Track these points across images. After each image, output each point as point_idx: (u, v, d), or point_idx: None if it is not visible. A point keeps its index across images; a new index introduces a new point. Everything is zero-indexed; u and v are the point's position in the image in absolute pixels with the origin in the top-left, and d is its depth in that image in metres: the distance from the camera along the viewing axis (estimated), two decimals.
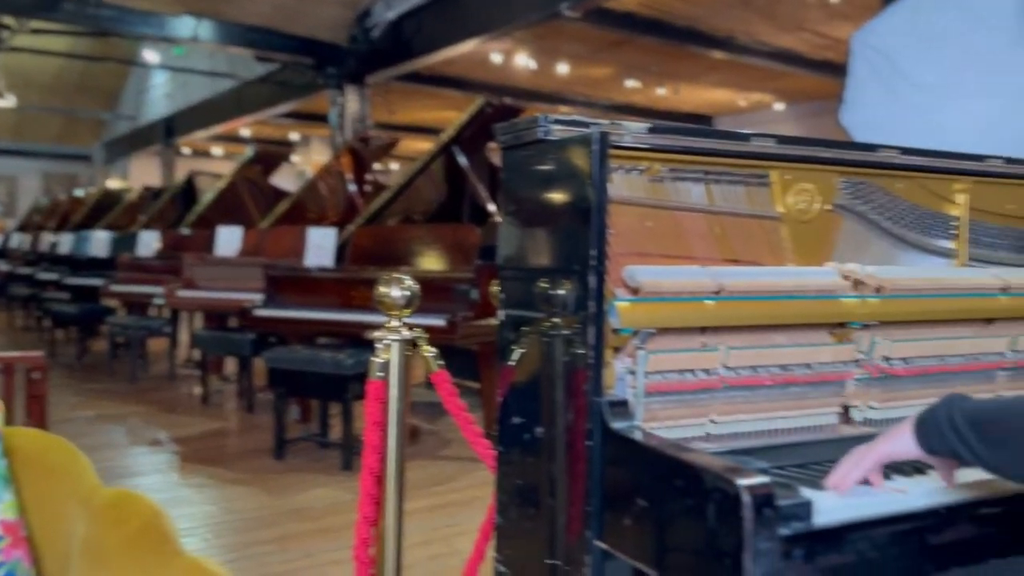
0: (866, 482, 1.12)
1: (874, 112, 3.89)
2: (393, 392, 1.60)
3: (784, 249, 1.59)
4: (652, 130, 1.44)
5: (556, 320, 1.32)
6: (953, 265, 1.77)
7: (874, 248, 1.69)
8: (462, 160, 4.96)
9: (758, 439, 1.43)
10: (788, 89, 13.19)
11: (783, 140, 1.57)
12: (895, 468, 1.20)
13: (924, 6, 3.83)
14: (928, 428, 1.07)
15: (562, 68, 12.03)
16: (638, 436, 1.18)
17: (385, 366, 1.63)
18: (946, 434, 1.04)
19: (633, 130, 1.41)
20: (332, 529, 3.28)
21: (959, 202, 1.78)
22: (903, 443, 1.09)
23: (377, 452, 1.56)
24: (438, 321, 3.99)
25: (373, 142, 6.64)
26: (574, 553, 1.25)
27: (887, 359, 1.55)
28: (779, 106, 14.51)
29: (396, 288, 1.67)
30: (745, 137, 1.54)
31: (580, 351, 1.26)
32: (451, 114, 8.65)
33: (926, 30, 3.82)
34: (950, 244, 1.77)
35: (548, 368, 1.34)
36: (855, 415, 1.53)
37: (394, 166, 16.15)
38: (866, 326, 1.54)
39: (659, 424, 1.35)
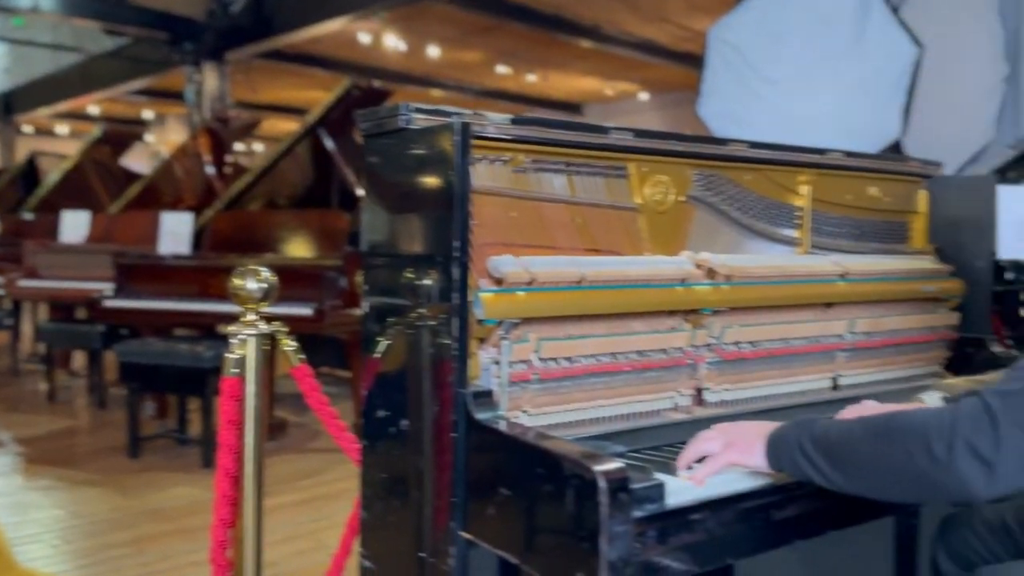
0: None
1: (729, 104, 4.08)
2: (250, 389, 1.55)
3: (642, 239, 1.64)
4: (515, 121, 1.45)
5: (421, 311, 1.31)
6: (797, 253, 1.88)
7: (725, 237, 1.77)
8: (329, 143, 4.84)
9: (618, 423, 1.48)
10: (652, 79, 13.61)
11: (640, 133, 1.62)
12: None
13: (773, 4, 4.04)
14: (779, 450, 1.15)
15: (433, 51, 11.94)
16: (501, 426, 1.19)
17: (241, 362, 1.57)
18: (796, 458, 1.12)
19: (496, 121, 1.42)
20: (192, 530, 3.15)
21: (802, 193, 1.89)
22: (755, 458, 1.17)
23: (233, 452, 1.50)
24: (305, 310, 3.89)
25: (233, 122, 6.37)
26: (440, 545, 1.25)
27: (737, 343, 1.63)
28: (644, 96, 14.96)
29: (252, 280, 1.61)
30: (604, 130, 1.57)
31: (445, 342, 1.26)
32: (319, 94, 8.42)
33: (774, 27, 4.04)
34: (794, 233, 1.88)
35: (414, 360, 1.33)
36: (708, 397, 1.61)
37: (258, 147, 15.58)
38: (717, 312, 1.62)
39: (523, 413, 1.37)
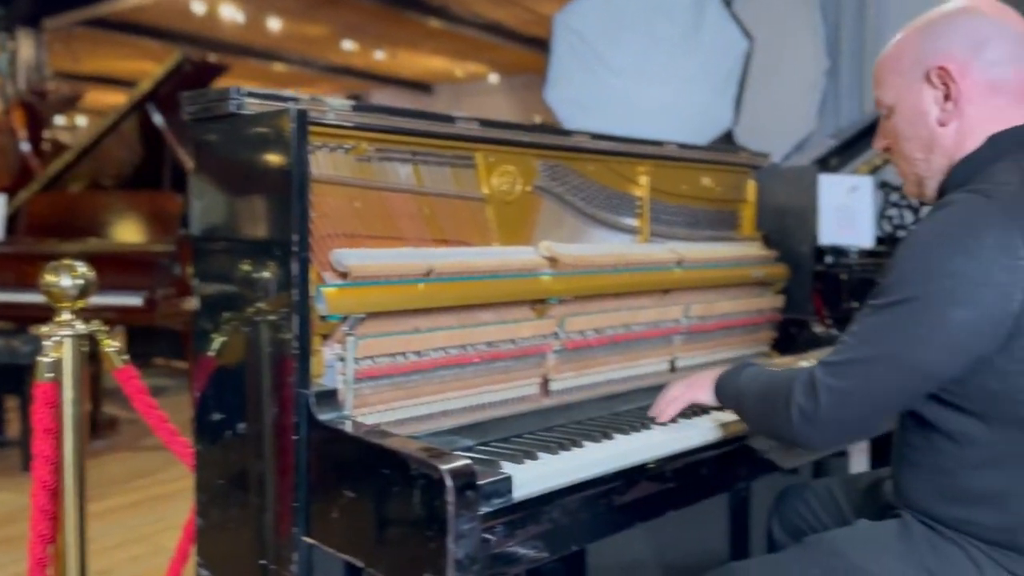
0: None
1: (575, 92, 4.15)
2: (67, 395, 1.42)
3: (489, 229, 1.64)
4: (356, 108, 1.40)
5: (259, 307, 1.25)
6: (637, 241, 1.94)
7: (570, 227, 1.80)
8: (158, 119, 4.53)
9: (468, 415, 1.47)
10: (502, 61, 13.68)
11: (486, 123, 1.61)
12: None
13: None
14: (721, 388, 1.39)
15: (273, 24, 11.44)
16: (345, 427, 1.15)
17: (56, 365, 1.43)
18: (729, 394, 1.36)
19: (336, 107, 1.37)
20: (11, 539, 2.89)
21: (642, 183, 1.95)
22: (707, 395, 1.42)
23: (50, 463, 1.37)
24: (134, 300, 3.64)
25: (52, 95, 5.85)
26: (282, 551, 1.20)
27: (581, 332, 1.66)
28: (494, 78, 15.01)
29: (66, 276, 1.47)
30: (450, 119, 1.55)
31: (285, 340, 1.20)
32: (149, 65, 7.88)
33: (617, 16, 4.14)
34: (634, 222, 1.94)
35: (251, 359, 1.26)
36: (554, 386, 1.63)
37: (81, 121, 14.44)
38: (563, 301, 1.64)
39: (371, 410, 1.33)
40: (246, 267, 1.26)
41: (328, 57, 13.68)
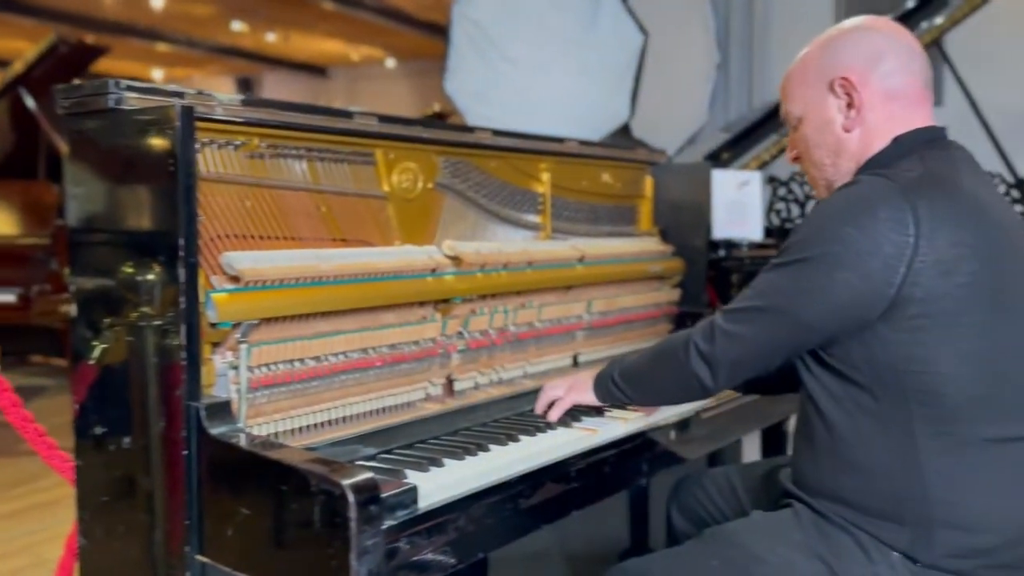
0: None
1: (474, 82, 4.12)
2: None
3: (391, 228, 1.60)
4: (246, 102, 1.34)
5: (144, 313, 1.17)
6: (539, 238, 1.94)
7: (472, 224, 1.78)
8: (31, 104, 4.25)
9: (370, 420, 1.44)
10: (398, 46, 13.47)
11: (385, 119, 1.57)
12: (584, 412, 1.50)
13: None
14: (601, 386, 1.43)
15: (157, 1, 10.91)
16: (240, 441, 1.10)
17: None
18: (611, 389, 1.41)
19: (225, 101, 1.30)
20: None
21: (544, 180, 1.95)
22: (588, 395, 1.46)
23: None
24: (7, 296, 3.40)
25: None
26: (173, 571, 1.14)
27: (486, 331, 1.65)
28: (391, 62, 14.79)
29: None
30: (348, 114, 1.50)
31: (172, 350, 1.14)
32: (24, 45, 7.37)
33: (514, 7, 4.13)
34: (537, 219, 1.94)
35: (136, 369, 1.19)
36: (458, 386, 1.61)
37: None
38: (466, 300, 1.62)
39: (267, 419, 1.28)
40: (129, 271, 1.19)
41: (216, 37, 13.16)
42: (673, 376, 1.30)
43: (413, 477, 1.13)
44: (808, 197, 2.97)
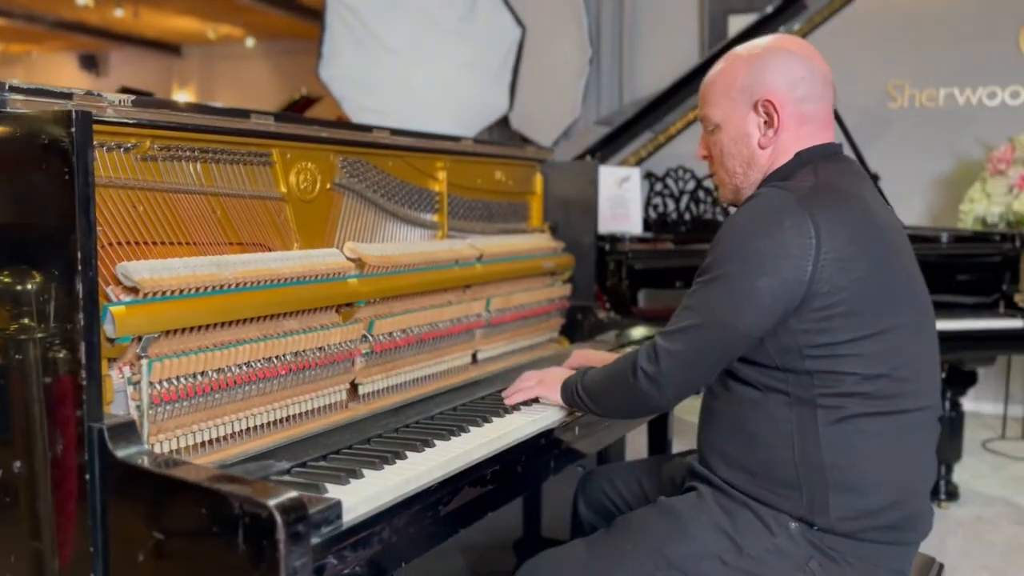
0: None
1: (350, 69, 4.04)
2: None
3: (290, 230, 1.56)
4: (137, 103, 1.27)
5: (38, 331, 1.09)
6: (436, 237, 1.94)
7: (372, 225, 1.75)
8: None
9: (274, 431, 1.40)
10: (258, 24, 12.92)
11: (282, 118, 1.52)
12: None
13: None
14: (567, 392, 1.52)
15: None
16: (151, 464, 1.05)
17: None
18: (575, 398, 1.50)
19: (116, 102, 1.22)
20: None
21: (440, 179, 1.95)
22: (554, 396, 1.55)
23: None
24: None
25: None
26: None
27: (390, 333, 1.64)
28: (250, 42, 14.19)
29: None
30: (244, 114, 1.45)
31: (70, 369, 1.07)
32: None
33: None
34: (434, 217, 1.93)
35: (26, 388, 1.11)
36: (362, 390, 1.59)
37: None
38: (369, 303, 1.60)
39: (168, 436, 1.23)
40: (22, 285, 1.10)
41: (58, 11, 12.20)
42: (625, 396, 1.38)
43: (334, 491, 1.12)
44: (683, 192, 3.10)
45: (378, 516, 1.10)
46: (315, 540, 1.00)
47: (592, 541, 1.39)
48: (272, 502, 0.95)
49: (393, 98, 4.07)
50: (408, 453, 1.28)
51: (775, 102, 1.32)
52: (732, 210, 3.10)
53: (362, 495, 1.11)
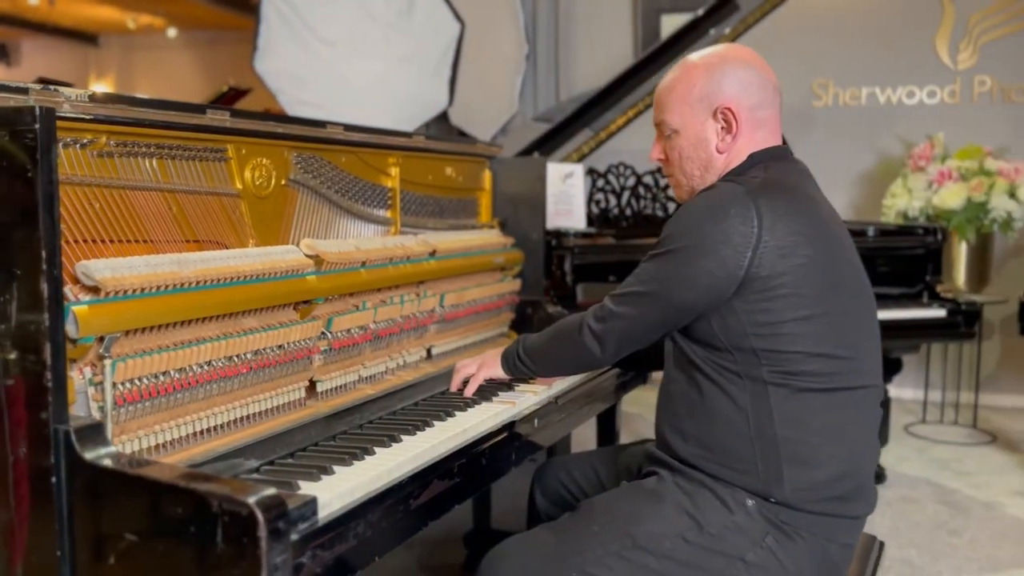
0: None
1: (286, 62, 3.98)
2: None
3: (245, 227, 1.54)
4: (94, 98, 1.24)
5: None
6: (390, 233, 1.94)
7: (326, 221, 1.75)
8: None
9: (235, 430, 1.39)
10: (180, 15, 12.55)
11: (237, 114, 1.51)
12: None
13: None
14: (508, 362, 1.63)
15: None
16: (122, 465, 1.03)
17: None
18: (517, 364, 1.61)
19: (73, 97, 1.20)
20: None
21: (392, 175, 1.95)
22: (497, 371, 1.65)
23: None
24: None
25: None
26: None
27: (348, 330, 1.64)
28: (172, 32, 13.78)
29: None
30: (201, 109, 1.43)
31: (34, 371, 1.04)
32: None
33: None
34: (387, 214, 1.93)
35: None
36: (320, 387, 1.59)
37: None
38: (327, 300, 1.60)
39: (131, 436, 1.21)
40: None
41: None
42: (569, 351, 1.51)
43: (307, 488, 1.12)
44: (624, 188, 3.16)
45: (352, 512, 1.11)
46: (293, 537, 1.00)
47: (557, 526, 1.43)
48: (252, 499, 0.95)
49: (330, 92, 4.03)
50: (376, 449, 1.29)
51: (733, 109, 1.40)
52: (671, 205, 3.17)
53: (335, 491, 1.11)
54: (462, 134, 5.00)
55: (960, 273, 4.01)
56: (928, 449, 3.84)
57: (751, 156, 1.42)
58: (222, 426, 1.37)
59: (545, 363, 1.58)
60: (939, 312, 3.04)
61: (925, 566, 2.61)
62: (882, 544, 1.60)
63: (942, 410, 4.37)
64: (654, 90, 3.33)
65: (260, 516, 0.94)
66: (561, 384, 1.74)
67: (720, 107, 1.41)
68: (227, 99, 6.92)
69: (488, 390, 1.65)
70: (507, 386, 1.69)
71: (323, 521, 1.06)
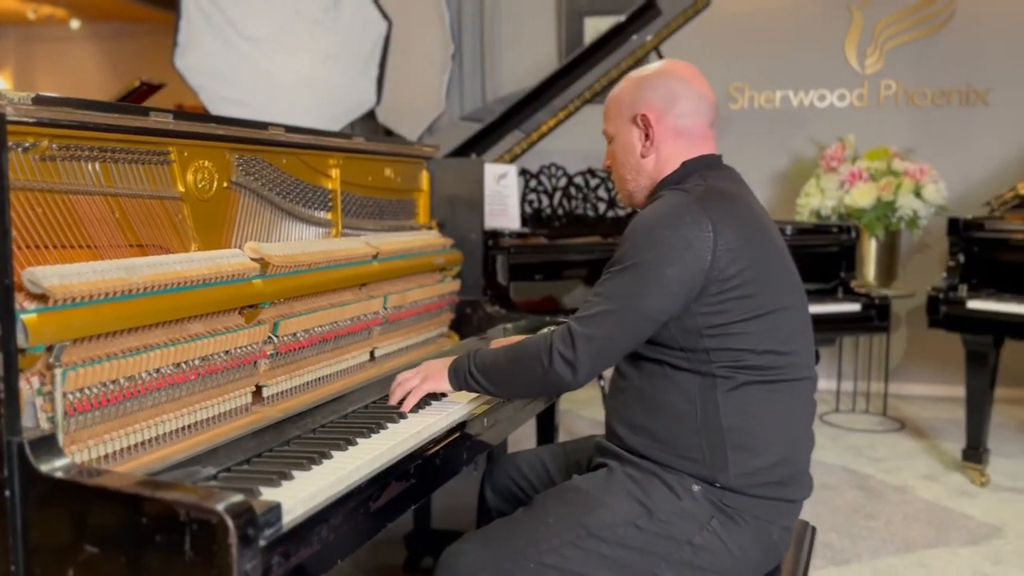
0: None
1: (208, 59, 3.89)
2: None
3: (187, 230, 1.52)
4: (38, 101, 1.20)
5: None
6: (331, 235, 1.93)
7: (268, 224, 1.73)
8: None
9: (184, 437, 1.37)
10: (82, 5, 12.04)
11: (180, 116, 1.48)
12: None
13: None
14: (457, 375, 1.56)
15: None
16: (79, 476, 1.01)
17: None
18: (467, 380, 1.55)
19: (15, 100, 1.16)
20: None
21: (333, 176, 1.94)
22: (443, 384, 1.58)
23: None
24: None
25: None
26: None
27: (294, 334, 1.63)
28: (75, 23, 13.21)
29: None
30: (144, 111, 1.40)
31: None
32: None
33: None
34: (328, 215, 1.93)
35: None
36: (267, 392, 1.58)
37: None
38: (273, 304, 1.59)
39: (80, 447, 1.18)
40: None
41: None
42: (535, 376, 1.45)
43: (269, 494, 1.12)
44: (555, 188, 3.22)
45: (316, 516, 1.11)
46: (261, 543, 1.00)
47: (512, 520, 1.47)
48: (220, 506, 0.94)
49: (254, 89, 3.96)
50: (334, 452, 1.29)
51: (651, 117, 1.50)
52: (601, 205, 3.24)
53: (298, 496, 1.12)
54: (389, 133, 4.97)
55: (870, 269, 4.23)
56: (842, 437, 4.03)
57: (684, 164, 1.50)
58: (171, 434, 1.35)
59: (505, 385, 1.52)
60: (855, 306, 3.21)
61: (845, 549, 2.76)
62: (814, 528, 1.69)
63: (854, 399, 4.59)
64: (582, 93, 3.38)
65: (230, 523, 0.94)
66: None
67: (638, 114, 1.50)
68: (139, 95, 6.69)
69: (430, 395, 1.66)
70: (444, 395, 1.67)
71: (287, 527, 1.06)
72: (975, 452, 3.36)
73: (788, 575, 1.53)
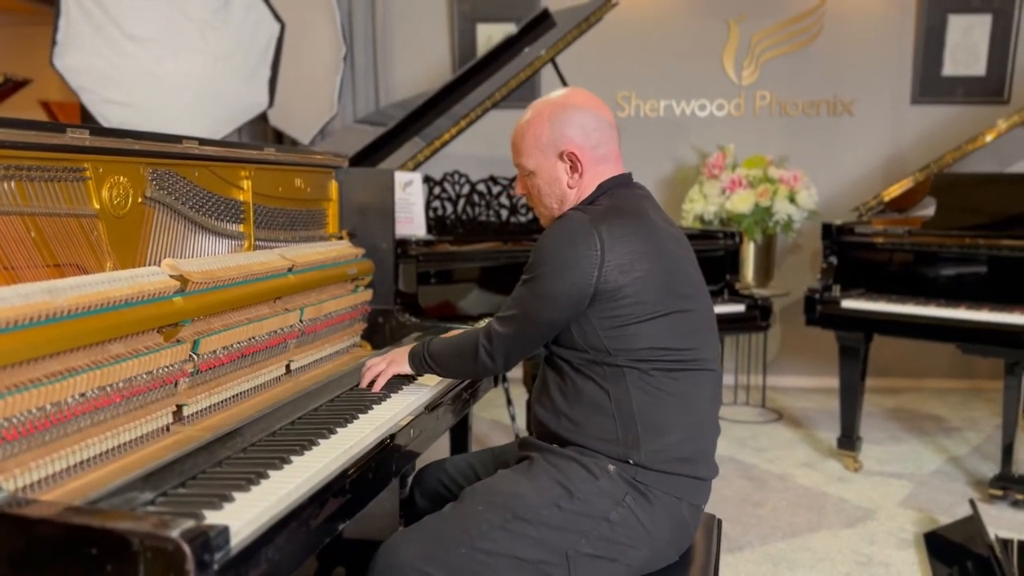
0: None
1: (92, 59, 3.72)
2: None
3: (103, 248, 1.48)
4: None
5: None
6: (244, 247, 1.91)
7: (182, 238, 1.70)
8: None
9: (108, 461, 1.33)
10: None
11: (97, 131, 1.44)
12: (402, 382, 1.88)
13: None
14: (416, 361, 1.83)
15: None
16: (19, 509, 0.99)
17: None
18: (422, 364, 1.82)
19: None
20: None
21: (245, 188, 1.92)
22: (405, 367, 1.85)
23: None
24: None
25: None
26: None
27: (214, 351, 1.61)
28: None
29: None
30: (61, 128, 1.36)
31: None
32: None
33: None
34: (240, 228, 1.90)
35: None
36: (187, 411, 1.55)
37: None
38: (192, 321, 1.57)
39: (8, 476, 1.14)
40: None
41: None
42: (470, 362, 1.71)
43: (212, 517, 1.12)
44: (459, 196, 3.26)
45: (262, 537, 1.12)
46: (215, 567, 1.01)
47: (442, 514, 1.57)
48: (175, 533, 0.95)
49: (141, 91, 3.80)
50: (270, 472, 1.30)
51: (576, 152, 1.64)
52: (503, 212, 3.32)
53: (244, 518, 1.12)
54: (280, 136, 4.88)
55: (749, 270, 4.49)
56: (728, 429, 4.26)
57: (600, 185, 1.66)
58: (95, 458, 1.31)
59: (449, 370, 1.81)
60: (740, 307, 3.41)
61: (737, 536, 2.94)
62: (720, 521, 1.81)
63: (735, 392, 4.86)
64: (482, 102, 3.42)
65: (187, 549, 0.94)
66: (428, 395, 1.83)
67: (565, 151, 1.64)
68: (3, 91, 6.28)
69: (365, 403, 1.69)
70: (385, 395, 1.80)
71: (235, 550, 1.07)
72: (848, 440, 3.64)
73: (700, 567, 1.64)
